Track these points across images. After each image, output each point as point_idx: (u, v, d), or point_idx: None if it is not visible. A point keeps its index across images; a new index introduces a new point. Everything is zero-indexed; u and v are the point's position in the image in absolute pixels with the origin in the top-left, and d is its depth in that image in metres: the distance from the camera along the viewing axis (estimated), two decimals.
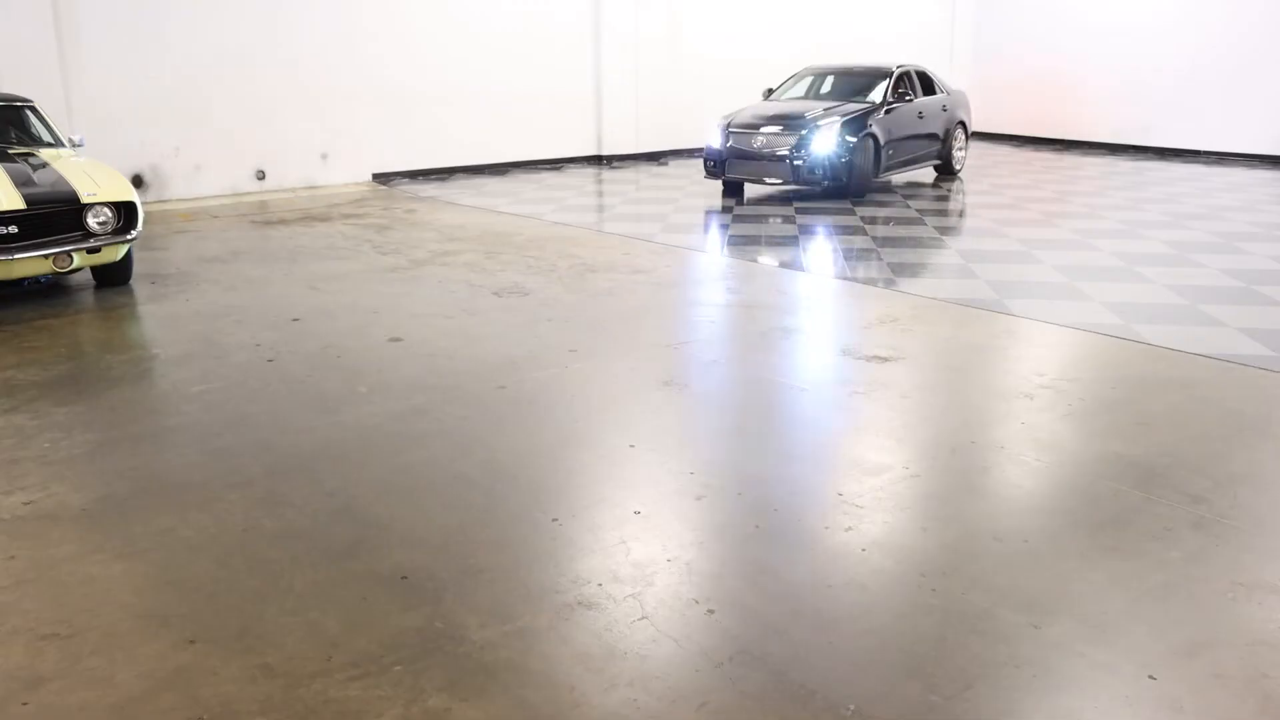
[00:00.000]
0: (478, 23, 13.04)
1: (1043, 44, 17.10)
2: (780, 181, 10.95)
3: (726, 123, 11.34)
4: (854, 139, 10.82)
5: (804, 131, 10.78)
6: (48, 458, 4.24)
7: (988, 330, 6.07)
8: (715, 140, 11.38)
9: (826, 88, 12.30)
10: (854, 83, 12.10)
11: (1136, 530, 3.57)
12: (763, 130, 10.98)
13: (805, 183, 10.84)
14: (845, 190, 11.01)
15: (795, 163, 10.73)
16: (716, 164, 11.37)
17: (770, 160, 10.86)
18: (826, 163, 10.71)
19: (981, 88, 18.03)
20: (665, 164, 14.50)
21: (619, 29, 14.19)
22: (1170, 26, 15.33)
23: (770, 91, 12.64)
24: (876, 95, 11.73)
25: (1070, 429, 4.54)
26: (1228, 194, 11.56)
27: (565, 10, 13.81)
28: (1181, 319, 6.36)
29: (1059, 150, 16.21)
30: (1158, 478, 3.99)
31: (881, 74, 12.00)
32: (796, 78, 12.64)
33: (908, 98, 11.89)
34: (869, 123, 11.11)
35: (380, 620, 3.04)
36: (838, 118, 10.97)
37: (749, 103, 12.33)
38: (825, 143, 10.75)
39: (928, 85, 12.45)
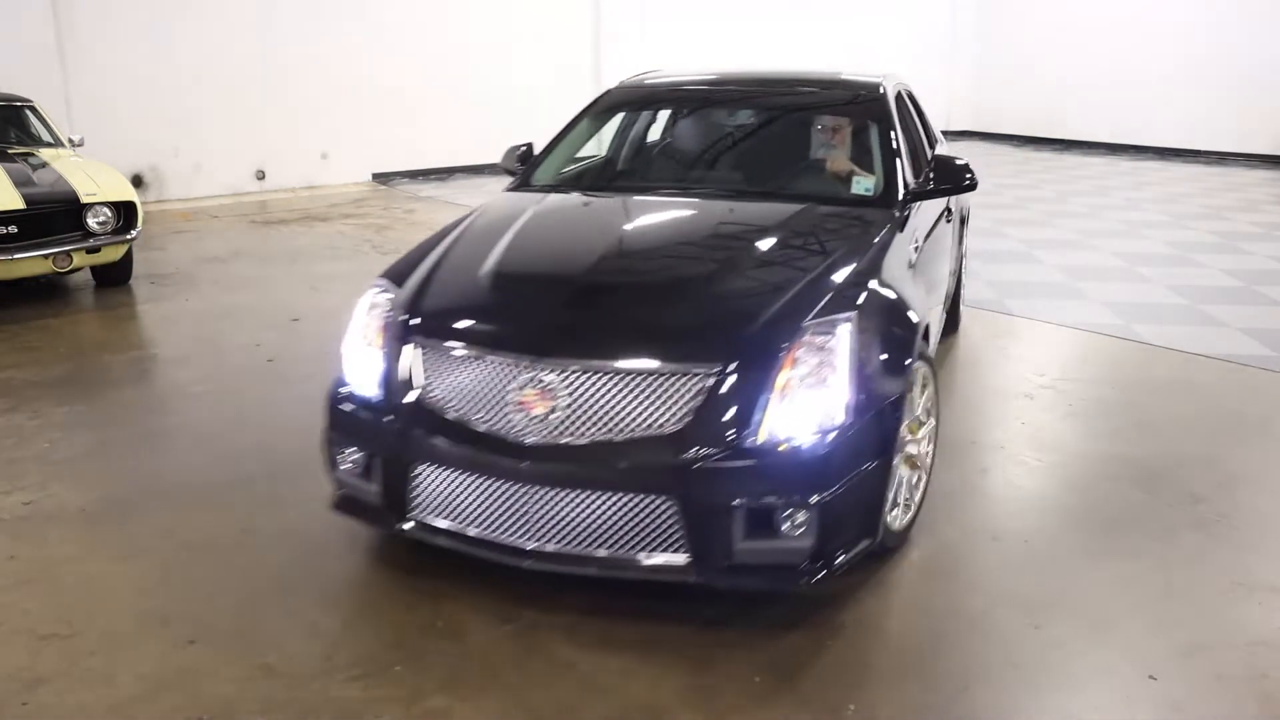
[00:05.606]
0: (478, 22, 13.03)
1: (1043, 44, 17.09)
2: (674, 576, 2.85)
3: (403, 315, 3.37)
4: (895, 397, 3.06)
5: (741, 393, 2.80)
6: (48, 458, 4.24)
7: (988, 330, 6.07)
8: (364, 379, 3.23)
9: (710, 151, 4.64)
10: (786, 134, 4.59)
11: (1137, 530, 3.57)
12: (578, 375, 2.82)
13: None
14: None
15: (720, 541, 2.78)
16: (364, 470, 3.15)
17: (593, 510, 2.82)
18: (845, 521, 2.91)
19: (981, 87, 18.04)
20: None
21: (619, 29, 14.18)
22: (1171, 26, 15.31)
23: (529, 160, 4.56)
24: (867, 178, 4.06)
25: (1070, 429, 4.54)
26: (1228, 194, 11.55)
27: (565, 10, 13.80)
28: (1182, 319, 6.36)
29: (1059, 150, 16.20)
30: (1158, 478, 3.99)
31: (870, 103, 4.40)
32: (610, 114, 4.79)
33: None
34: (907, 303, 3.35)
35: (380, 620, 3.04)
36: (876, 316, 3.12)
37: (492, 203, 4.23)
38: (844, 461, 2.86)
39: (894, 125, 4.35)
